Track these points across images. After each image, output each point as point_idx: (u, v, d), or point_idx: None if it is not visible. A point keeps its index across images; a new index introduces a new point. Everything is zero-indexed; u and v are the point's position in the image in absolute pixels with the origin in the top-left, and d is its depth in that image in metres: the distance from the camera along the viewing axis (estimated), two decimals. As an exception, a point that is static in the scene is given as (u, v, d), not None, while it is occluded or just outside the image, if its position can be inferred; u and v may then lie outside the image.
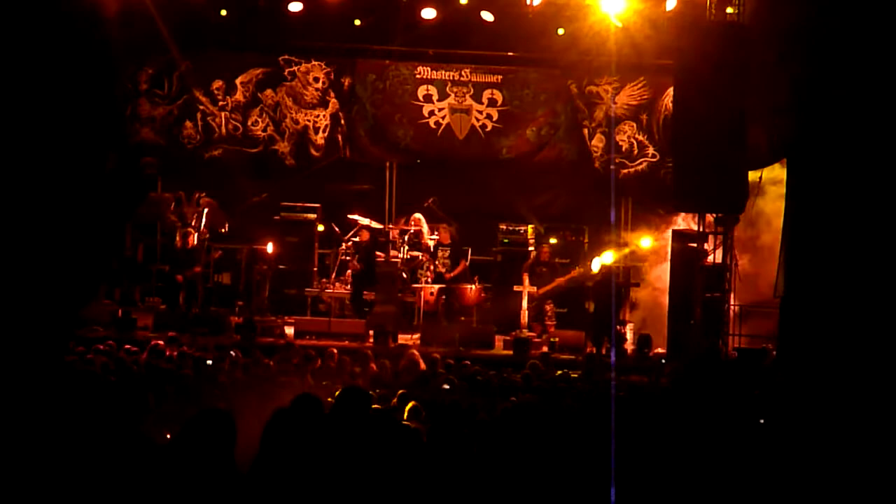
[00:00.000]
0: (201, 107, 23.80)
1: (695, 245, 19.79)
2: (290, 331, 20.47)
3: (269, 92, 23.97)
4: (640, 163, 23.72)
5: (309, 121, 23.96)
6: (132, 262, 22.34)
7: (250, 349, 17.41)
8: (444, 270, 22.09)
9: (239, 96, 23.91)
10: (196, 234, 22.24)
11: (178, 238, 22.38)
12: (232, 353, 16.40)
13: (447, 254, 22.28)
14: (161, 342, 16.77)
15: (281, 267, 22.28)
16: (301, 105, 23.95)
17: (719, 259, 19.93)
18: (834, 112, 18.01)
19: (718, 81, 18.97)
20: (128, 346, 16.32)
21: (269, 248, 21.96)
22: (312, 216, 23.06)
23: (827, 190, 18.14)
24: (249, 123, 23.92)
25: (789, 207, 19.31)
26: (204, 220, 22.80)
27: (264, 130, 23.96)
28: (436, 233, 22.43)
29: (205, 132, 23.82)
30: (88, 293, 19.17)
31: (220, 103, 23.87)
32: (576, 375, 16.27)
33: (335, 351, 17.33)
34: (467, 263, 22.42)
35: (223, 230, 22.96)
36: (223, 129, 23.85)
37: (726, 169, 18.91)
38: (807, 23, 18.34)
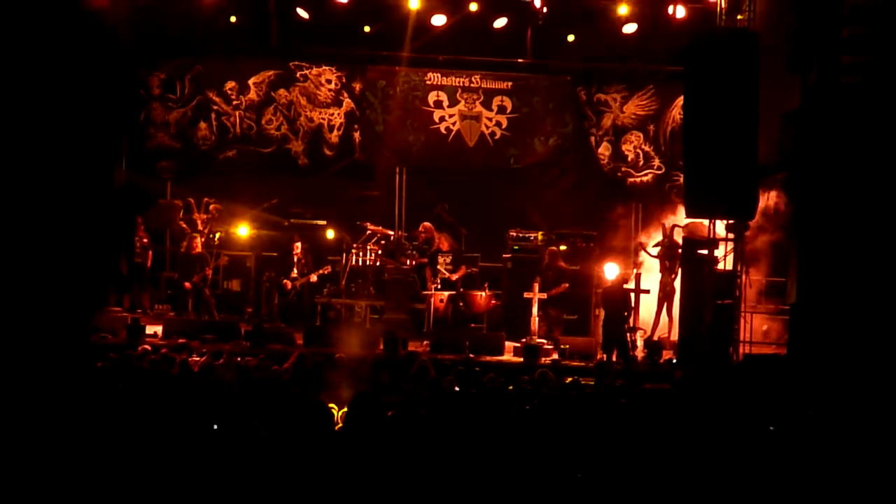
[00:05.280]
0: (215, 107, 23.87)
1: (705, 252, 19.72)
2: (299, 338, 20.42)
3: (282, 91, 24.02)
4: (646, 174, 23.73)
5: (324, 119, 24.00)
6: (141, 269, 22.31)
7: (259, 356, 17.35)
8: (447, 275, 22.07)
9: (252, 95, 23.96)
10: (202, 240, 22.23)
11: (183, 244, 22.36)
12: (238, 359, 16.34)
13: (448, 259, 22.21)
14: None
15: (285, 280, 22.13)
16: (315, 104, 23.99)
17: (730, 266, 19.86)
18: (843, 119, 17.97)
19: (729, 87, 18.89)
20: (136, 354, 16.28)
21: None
22: (322, 222, 23.03)
23: (836, 196, 18.10)
24: (264, 122, 23.97)
25: (800, 214, 19.24)
26: (212, 226, 22.80)
27: (278, 129, 24.00)
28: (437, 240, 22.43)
29: (219, 132, 23.89)
30: (98, 300, 19.13)
31: (234, 102, 23.91)
32: (587, 382, 16.21)
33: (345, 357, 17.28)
34: (471, 270, 22.39)
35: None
36: (237, 129, 23.90)
37: (737, 175, 18.82)
38: (817, 29, 18.31)
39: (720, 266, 19.71)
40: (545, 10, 22.97)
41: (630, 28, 22.60)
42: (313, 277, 21.95)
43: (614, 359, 19.64)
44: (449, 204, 23.07)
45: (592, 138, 23.95)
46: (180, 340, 18.65)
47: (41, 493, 6.66)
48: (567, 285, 21.51)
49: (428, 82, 23.96)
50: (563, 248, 22.48)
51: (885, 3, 17.87)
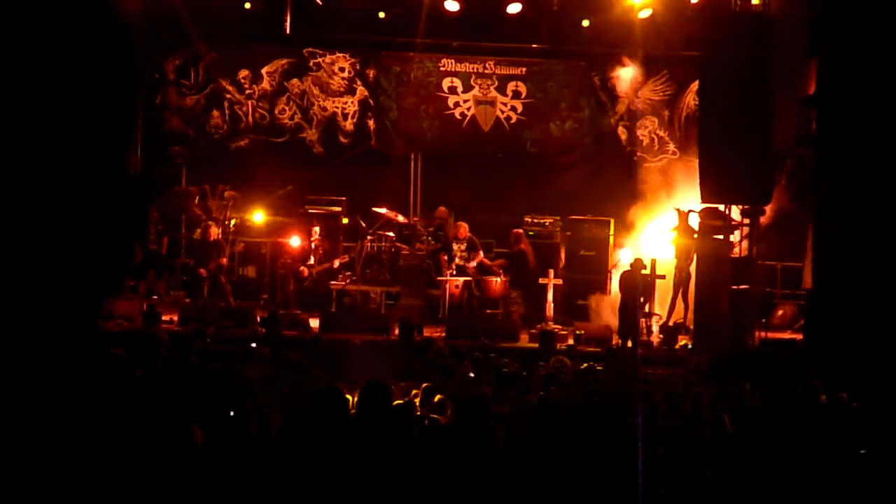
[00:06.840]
0: (228, 95, 23.92)
1: (721, 237, 19.67)
2: (314, 324, 20.43)
3: (295, 81, 24.05)
4: (661, 159, 23.68)
5: (337, 108, 24.03)
6: (157, 256, 22.33)
7: (275, 343, 17.37)
8: (462, 263, 22.00)
9: (265, 85, 23.99)
10: (218, 228, 22.22)
11: (198, 231, 22.36)
12: (254, 345, 16.34)
13: (463, 247, 22.13)
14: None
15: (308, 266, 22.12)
16: (328, 93, 24.03)
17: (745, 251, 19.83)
18: (860, 103, 17.91)
19: (744, 72, 18.85)
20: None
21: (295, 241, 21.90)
22: (338, 209, 23.00)
23: (853, 182, 18.05)
24: (276, 112, 24.00)
25: (816, 199, 19.21)
26: (227, 213, 22.83)
27: (291, 119, 24.03)
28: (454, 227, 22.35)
29: (232, 121, 23.94)
30: (114, 286, 19.12)
31: (247, 91, 23.96)
32: (601, 368, 16.20)
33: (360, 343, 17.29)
34: (483, 257, 22.38)
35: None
36: (250, 118, 23.95)
37: (752, 160, 18.79)
38: (833, 12, 18.25)
39: (735, 251, 19.69)
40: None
41: (645, 13, 22.54)
42: (336, 263, 21.88)
43: (629, 344, 19.61)
44: (464, 190, 23.03)
45: (607, 123, 23.92)
46: (195, 327, 18.65)
47: (49, 483, 6.68)
48: (504, 261, 21.64)
49: (442, 68, 23.94)
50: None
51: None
